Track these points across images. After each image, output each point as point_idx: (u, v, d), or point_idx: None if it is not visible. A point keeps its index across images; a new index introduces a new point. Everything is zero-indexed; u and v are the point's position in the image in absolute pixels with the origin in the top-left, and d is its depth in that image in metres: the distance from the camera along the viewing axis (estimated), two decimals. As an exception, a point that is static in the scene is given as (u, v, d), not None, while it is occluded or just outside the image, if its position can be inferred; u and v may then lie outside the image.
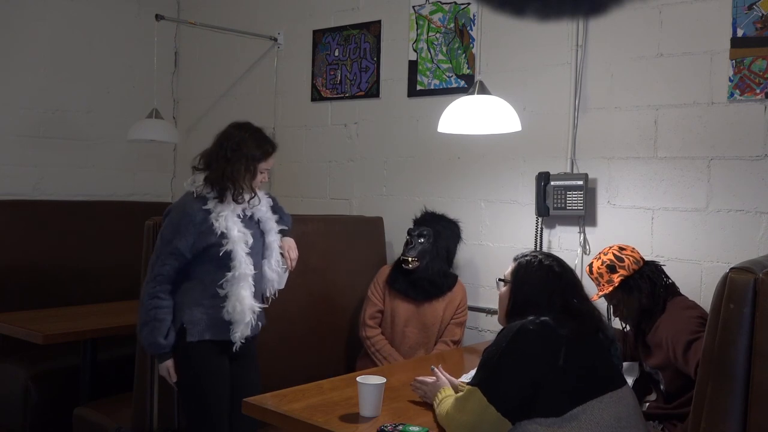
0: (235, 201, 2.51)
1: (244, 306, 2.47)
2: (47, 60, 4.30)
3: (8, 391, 3.51)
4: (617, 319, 2.63)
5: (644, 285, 2.51)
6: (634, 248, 2.62)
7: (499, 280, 2.08)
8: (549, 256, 2.04)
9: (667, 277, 2.57)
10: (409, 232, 3.22)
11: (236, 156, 2.50)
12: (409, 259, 3.13)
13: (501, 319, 2.04)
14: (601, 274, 2.57)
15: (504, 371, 1.80)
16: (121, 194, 4.61)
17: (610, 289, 2.53)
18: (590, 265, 2.63)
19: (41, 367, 3.51)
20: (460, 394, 1.92)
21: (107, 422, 2.96)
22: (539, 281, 1.95)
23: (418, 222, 3.26)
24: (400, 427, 1.95)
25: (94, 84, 4.51)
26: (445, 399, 2.02)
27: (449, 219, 3.29)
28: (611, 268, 2.54)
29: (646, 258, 2.63)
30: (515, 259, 2.05)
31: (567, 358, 1.77)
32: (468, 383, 1.93)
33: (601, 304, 2.51)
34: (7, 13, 4.13)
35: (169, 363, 2.49)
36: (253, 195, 2.55)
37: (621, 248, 2.60)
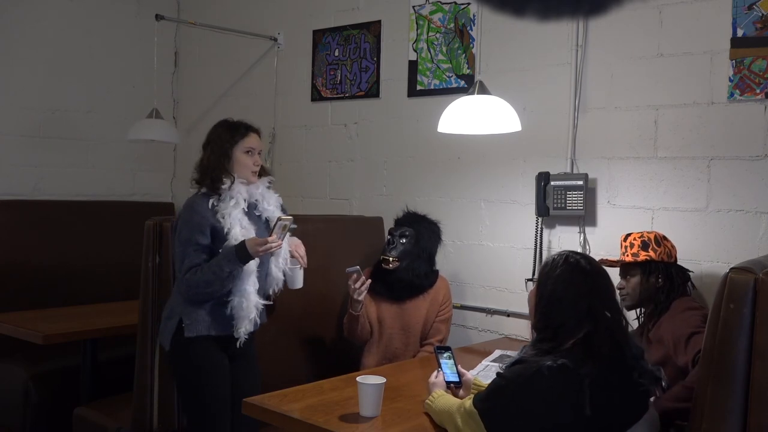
0: (215, 192, 2.51)
1: (249, 302, 2.50)
2: (47, 60, 4.29)
3: (8, 391, 3.51)
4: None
5: (664, 278, 2.54)
6: (675, 247, 2.64)
7: (528, 280, 1.98)
8: (581, 255, 1.94)
9: (685, 284, 2.59)
10: (390, 232, 3.17)
11: (210, 148, 2.57)
12: (390, 258, 3.06)
13: (532, 320, 1.94)
14: (632, 244, 2.60)
15: (512, 412, 1.73)
16: (121, 194, 4.61)
17: (631, 260, 2.56)
18: (629, 234, 2.65)
19: (41, 367, 3.51)
20: (464, 408, 1.82)
21: (107, 422, 2.96)
22: (563, 277, 1.86)
23: (399, 222, 3.20)
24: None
25: (94, 84, 4.51)
26: (447, 400, 1.99)
27: (430, 220, 3.25)
28: (645, 245, 2.57)
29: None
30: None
31: (593, 405, 1.68)
32: (475, 400, 1.81)
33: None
34: (7, 13, 4.13)
35: (256, 241, 2.41)
36: (233, 180, 2.52)
37: (665, 237, 2.62)
